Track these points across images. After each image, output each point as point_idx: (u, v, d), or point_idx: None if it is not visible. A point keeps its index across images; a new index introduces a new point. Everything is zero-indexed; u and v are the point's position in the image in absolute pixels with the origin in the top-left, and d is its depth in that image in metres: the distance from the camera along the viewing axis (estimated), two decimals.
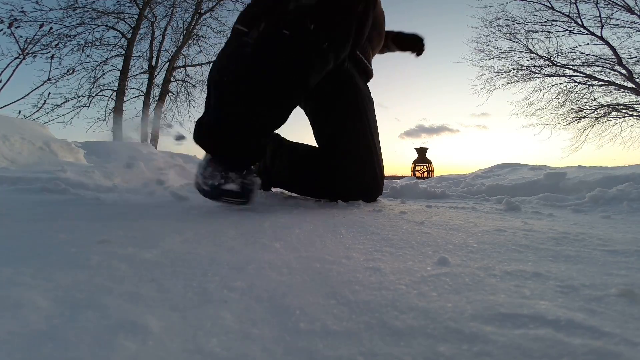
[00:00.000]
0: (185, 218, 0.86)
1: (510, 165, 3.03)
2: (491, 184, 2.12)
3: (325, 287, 0.40)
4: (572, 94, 8.92)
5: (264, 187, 1.32)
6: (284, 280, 0.41)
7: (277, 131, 1.11)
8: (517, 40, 8.92)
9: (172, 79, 7.82)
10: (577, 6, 8.07)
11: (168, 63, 7.74)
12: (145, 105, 7.37)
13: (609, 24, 7.92)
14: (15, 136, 2.14)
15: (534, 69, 9.04)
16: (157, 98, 7.56)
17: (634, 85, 8.03)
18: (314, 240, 0.65)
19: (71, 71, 6.39)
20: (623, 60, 7.97)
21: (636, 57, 7.90)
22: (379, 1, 1.28)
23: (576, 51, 8.50)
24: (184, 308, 0.33)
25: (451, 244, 0.64)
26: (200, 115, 1.03)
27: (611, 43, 8.03)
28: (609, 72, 8.38)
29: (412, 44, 1.56)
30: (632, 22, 7.74)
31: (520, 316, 0.33)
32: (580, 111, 9.00)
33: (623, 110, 8.60)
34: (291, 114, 1.03)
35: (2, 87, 3.81)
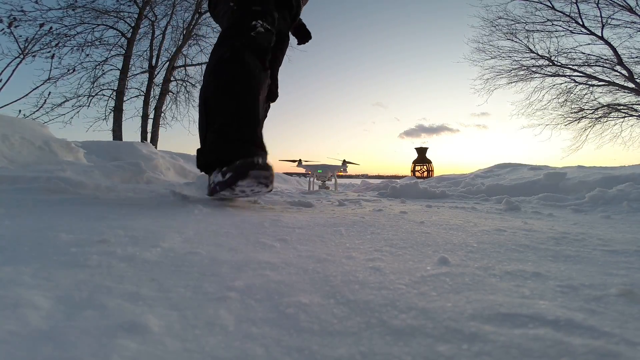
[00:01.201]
0: (185, 217, 0.86)
1: (510, 165, 3.03)
2: (491, 184, 2.12)
3: (325, 286, 0.40)
4: (572, 94, 8.92)
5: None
6: (284, 280, 0.41)
7: None
8: (517, 40, 8.91)
9: (172, 78, 7.82)
10: (577, 6, 8.07)
11: (168, 62, 7.74)
12: (145, 104, 7.37)
13: (610, 24, 7.92)
14: (15, 135, 2.14)
15: (534, 69, 9.04)
16: (157, 97, 7.56)
17: (634, 86, 8.03)
18: (314, 239, 0.65)
19: (71, 71, 6.38)
20: (623, 60, 7.97)
21: (637, 57, 7.89)
22: None
23: (577, 51, 8.50)
24: (183, 307, 0.33)
25: (451, 244, 0.64)
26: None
27: (612, 43, 8.03)
28: (609, 72, 8.38)
29: (302, 37, 1.86)
30: (632, 22, 7.73)
31: (520, 316, 0.33)
32: (580, 111, 9.00)
33: (623, 111, 8.59)
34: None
35: (2, 87, 3.80)
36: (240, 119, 1.09)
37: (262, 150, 1.09)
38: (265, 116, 1.75)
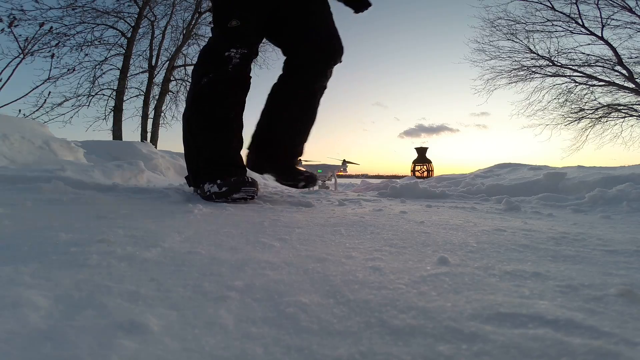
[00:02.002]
0: (185, 217, 0.86)
1: (510, 165, 3.03)
2: (491, 184, 2.12)
3: (324, 286, 0.40)
4: (572, 94, 8.91)
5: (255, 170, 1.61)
6: (284, 279, 0.41)
7: None
8: (518, 41, 8.91)
9: (171, 78, 7.82)
10: (577, 6, 8.06)
11: (168, 62, 7.73)
12: (145, 104, 7.37)
13: (610, 25, 7.92)
14: (15, 135, 2.14)
15: (534, 69, 9.04)
16: (156, 97, 7.56)
17: (634, 86, 8.03)
18: (314, 239, 0.65)
19: (71, 70, 6.38)
20: (623, 60, 7.97)
21: (636, 58, 7.89)
22: None
23: (577, 51, 8.49)
24: (183, 307, 0.33)
25: (451, 244, 0.64)
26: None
27: (612, 43, 8.03)
28: (609, 73, 8.38)
29: (358, 4, 1.57)
30: (632, 22, 7.73)
31: (520, 316, 0.33)
32: (580, 111, 9.00)
33: (623, 111, 8.59)
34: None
35: (2, 86, 3.80)
36: (222, 147, 1.39)
37: (243, 169, 1.42)
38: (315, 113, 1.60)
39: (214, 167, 1.36)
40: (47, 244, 0.52)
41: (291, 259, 0.51)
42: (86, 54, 6.86)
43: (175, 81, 8.02)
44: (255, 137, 1.59)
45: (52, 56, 5.25)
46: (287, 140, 1.55)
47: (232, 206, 1.14)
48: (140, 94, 7.52)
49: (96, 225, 0.68)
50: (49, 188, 1.22)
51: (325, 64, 1.50)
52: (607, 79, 8.44)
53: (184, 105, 1.58)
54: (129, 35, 7.09)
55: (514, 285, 0.42)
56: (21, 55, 4.18)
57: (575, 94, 8.94)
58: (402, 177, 3.52)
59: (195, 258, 0.49)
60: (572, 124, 9.18)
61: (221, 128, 1.41)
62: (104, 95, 7.17)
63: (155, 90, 7.63)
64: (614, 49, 8.05)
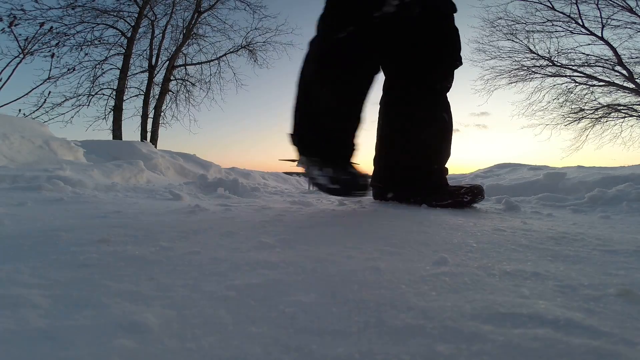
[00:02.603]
0: (185, 217, 0.86)
1: (510, 165, 3.03)
2: (491, 184, 2.12)
3: (324, 285, 0.40)
4: (572, 94, 8.92)
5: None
6: (283, 279, 0.41)
7: None
8: (518, 41, 8.92)
9: (171, 77, 7.82)
10: (578, 7, 8.07)
11: (168, 62, 7.74)
12: (145, 104, 7.37)
13: (610, 25, 7.92)
14: (15, 135, 2.14)
15: (534, 69, 9.05)
16: (156, 97, 7.56)
17: (634, 86, 8.03)
18: (314, 239, 0.65)
19: (71, 70, 6.39)
20: (623, 60, 7.97)
21: (637, 58, 7.89)
22: None
23: (577, 51, 8.50)
24: (182, 306, 0.33)
25: (450, 244, 0.64)
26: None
27: (612, 43, 8.03)
28: (609, 73, 8.39)
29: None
30: (632, 22, 7.74)
31: (519, 316, 0.32)
32: (580, 111, 9.01)
33: (623, 111, 8.60)
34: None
35: (2, 86, 3.80)
36: (343, 123, 1.14)
37: (354, 151, 1.20)
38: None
39: (325, 144, 1.12)
40: (47, 244, 0.52)
41: (291, 258, 0.51)
42: (86, 54, 6.88)
43: (175, 81, 8.03)
44: (381, 165, 1.32)
45: (52, 56, 5.25)
46: (418, 156, 1.25)
47: (233, 206, 1.14)
48: (140, 94, 7.52)
49: (96, 224, 0.68)
50: (49, 188, 1.22)
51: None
52: (607, 79, 8.45)
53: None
54: (129, 34, 7.09)
55: (514, 285, 0.42)
56: (21, 55, 4.18)
57: (575, 94, 8.96)
58: None
59: (194, 258, 0.49)
60: (572, 124, 9.20)
61: (348, 100, 1.10)
62: (103, 94, 7.18)
63: (155, 90, 7.64)
64: (614, 49, 8.05)
